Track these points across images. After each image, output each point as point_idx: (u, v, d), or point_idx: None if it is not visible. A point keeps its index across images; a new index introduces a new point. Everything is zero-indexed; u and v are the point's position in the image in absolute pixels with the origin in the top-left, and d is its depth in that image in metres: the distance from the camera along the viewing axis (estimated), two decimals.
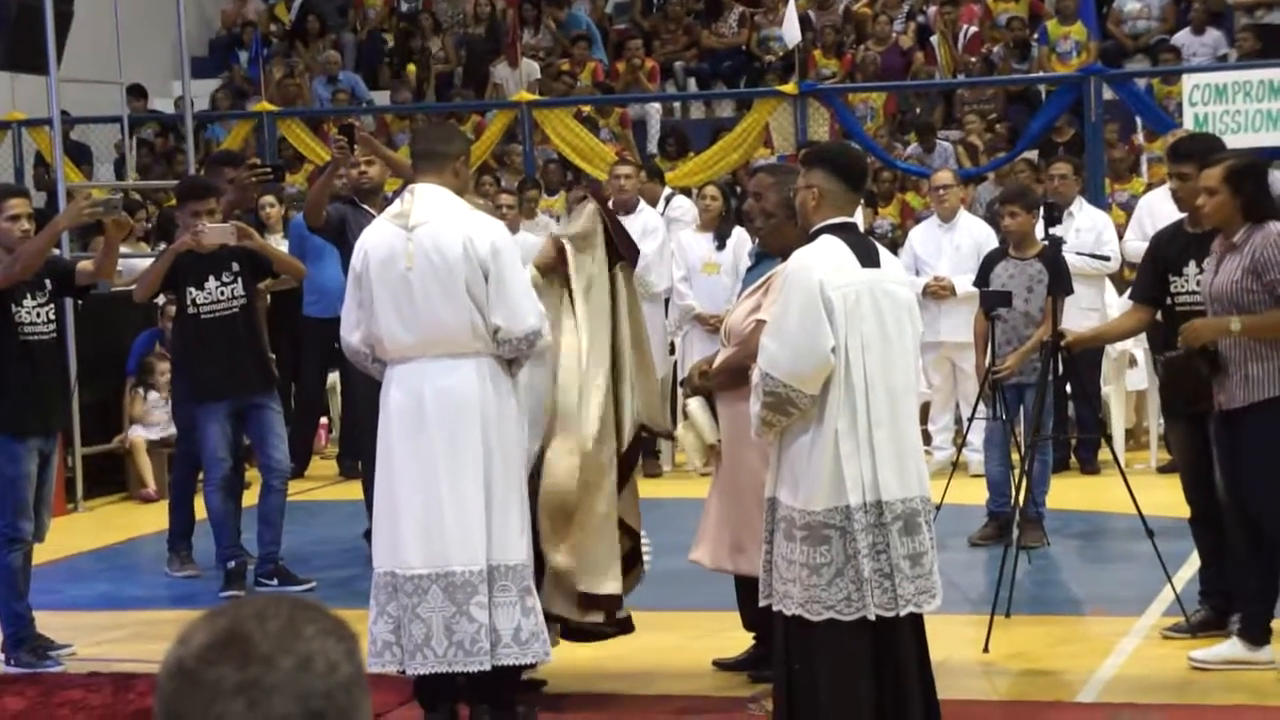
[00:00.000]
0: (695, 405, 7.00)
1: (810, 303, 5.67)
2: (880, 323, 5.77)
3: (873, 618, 5.69)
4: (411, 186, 6.67)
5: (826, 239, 5.86)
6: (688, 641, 7.81)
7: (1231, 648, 6.90)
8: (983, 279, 9.65)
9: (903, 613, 5.72)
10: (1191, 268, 7.17)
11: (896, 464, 5.73)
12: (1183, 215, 7.44)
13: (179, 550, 9.82)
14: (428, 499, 6.38)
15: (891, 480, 5.71)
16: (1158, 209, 10.57)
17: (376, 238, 6.58)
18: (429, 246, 6.40)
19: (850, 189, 6.00)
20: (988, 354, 9.46)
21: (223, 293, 8.99)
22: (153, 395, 12.38)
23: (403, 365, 6.50)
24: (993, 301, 9.19)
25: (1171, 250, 7.33)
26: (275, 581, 9.25)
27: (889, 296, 5.82)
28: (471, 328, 6.39)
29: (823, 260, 5.77)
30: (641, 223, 12.42)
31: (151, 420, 12.40)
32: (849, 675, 5.75)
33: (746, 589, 6.60)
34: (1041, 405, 8.04)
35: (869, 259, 5.84)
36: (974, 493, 10.19)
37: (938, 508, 7.92)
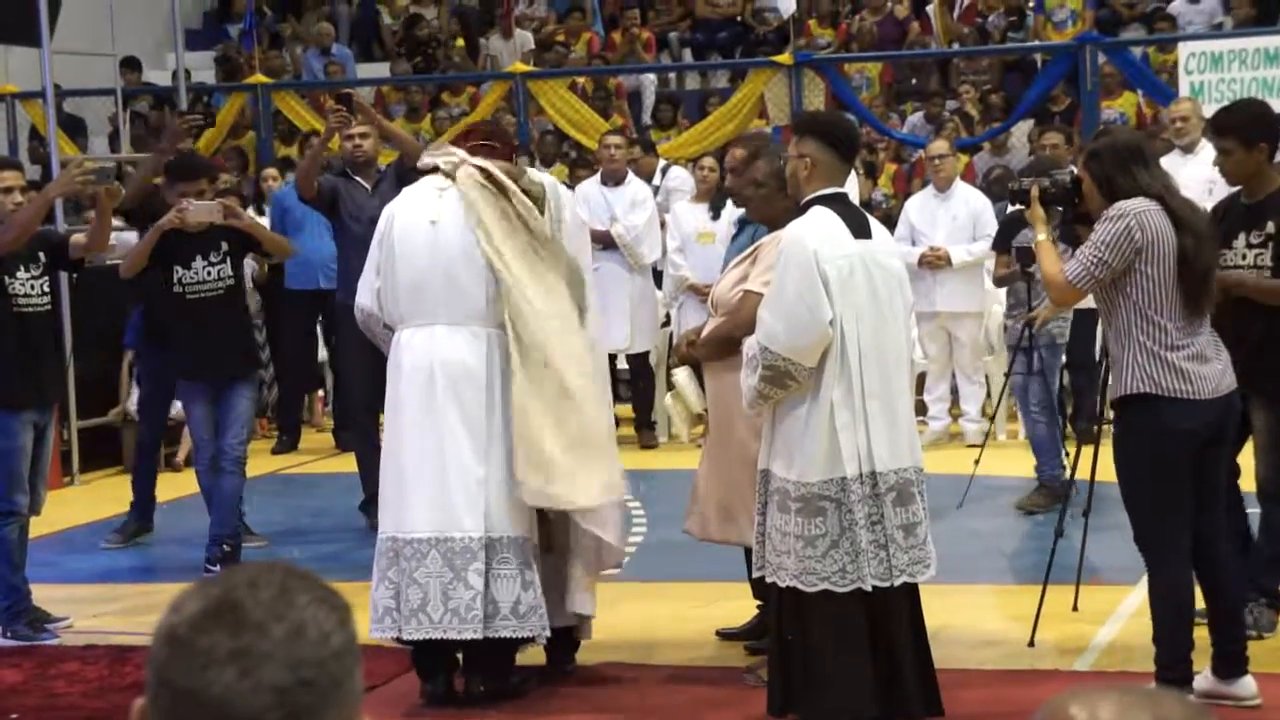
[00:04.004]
0: (682, 375, 7.01)
1: (807, 275, 5.68)
2: (873, 294, 5.78)
3: (869, 588, 5.70)
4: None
5: (819, 210, 5.87)
6: (685, 611, 7.82)
7: None
8: (1003, 242, 9.67)
9: (897, 583, 5.74)
10: (1241, 240, 6.97)
11: (889, 434, 5.75)
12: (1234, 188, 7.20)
13: (127, 520, 9.78)
14: (435, 465, 6.41)
15: (884, 451, 5.73)
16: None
17: (408, 198, 6.68)
18: (459, 205, 6.47)
19: (842, 159, 6.01)
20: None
21: (209, 273, 8.82)
22: None
23: (413, 330, 6.53)
24: (1027, 258, 9.21)
25: (1225, 223, 6.97)
26: (219, 569, 8.91)
27: (881, 268, 5.84)
28: (485, 293, 6.43)
29: (817, 232, 5.78)
30: (630, 194, 12.44)
31: None
32: (844, 646, 5.76)
33: None
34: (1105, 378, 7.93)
35: (860, 230, 5.86)
36: (969, 463, 10.17)
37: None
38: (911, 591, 5.89)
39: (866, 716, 5.79)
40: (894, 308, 5.86)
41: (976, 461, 9.95)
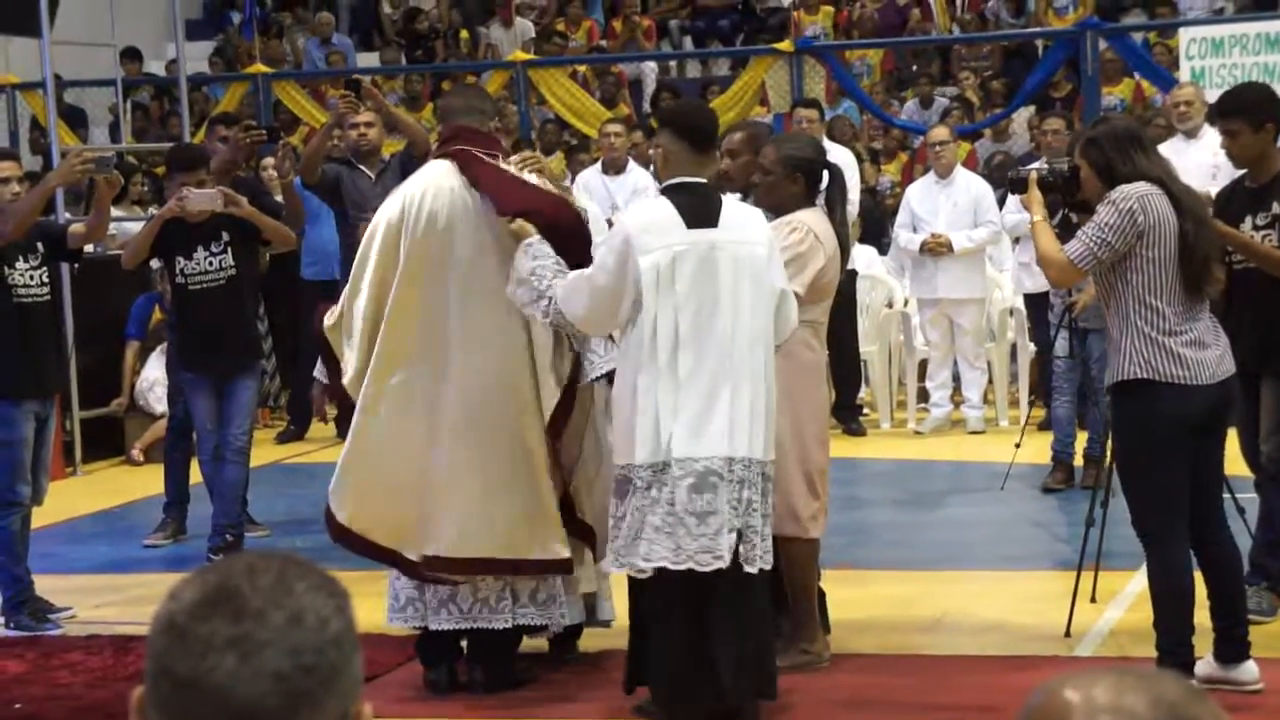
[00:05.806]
0: None
1: (618, 273, 5.78)
2: (704, 283, 5.79)
3: (642, 570, 5.78)
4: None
5: (657, 200, 6.05)
6: None
7: None
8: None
9: (681, 567, 5.72)
10: (1247, 223, 6.96)
11: (696, 424, 5.73)
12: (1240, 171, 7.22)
13: (166, 518, 9.66)
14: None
15: (686, 439, 5.72)
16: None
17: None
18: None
19: (694, 150, 6.04)
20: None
21: (211, 263, 8.74)
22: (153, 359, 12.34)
23: None
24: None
25: (1231, 207, 7.01)
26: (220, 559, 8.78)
27: (728, 255, 5.83)
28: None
29: (638, 223, 5.89)
30: (631, 182, 12.46)
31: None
32: (643, 623, 6.02)
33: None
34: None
35: (701, 219, 5.86)
36: (974, 450, 10.17)
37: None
38: (743, 580, 5.81)
39: (662, 684, 5.94)
40: (737, 294, 5.82)
41: (1018, 445, 9.91)
